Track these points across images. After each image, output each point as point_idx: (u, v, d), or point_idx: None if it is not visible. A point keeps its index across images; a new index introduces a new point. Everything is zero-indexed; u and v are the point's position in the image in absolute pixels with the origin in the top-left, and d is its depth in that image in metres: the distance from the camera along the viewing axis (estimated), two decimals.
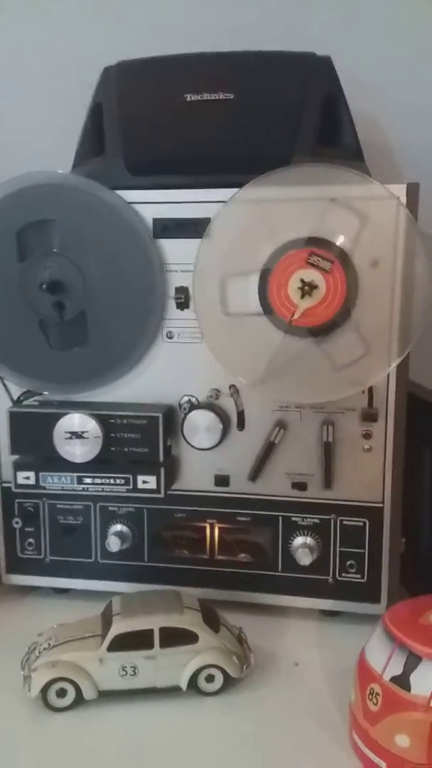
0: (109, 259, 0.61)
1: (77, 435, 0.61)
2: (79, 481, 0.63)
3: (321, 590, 0.64)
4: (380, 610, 0.63)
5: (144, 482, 0.62)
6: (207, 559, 0.66)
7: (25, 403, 0.65)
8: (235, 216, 0.59)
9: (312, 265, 0.57)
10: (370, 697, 0.46)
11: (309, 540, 0.63)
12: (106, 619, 0.55)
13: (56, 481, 0.63)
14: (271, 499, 0.64)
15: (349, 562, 0.64)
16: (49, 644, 0.54)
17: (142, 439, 0.61)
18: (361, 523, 0.63)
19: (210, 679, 0.54)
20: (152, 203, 0.62)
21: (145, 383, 0.64)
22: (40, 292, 0.61)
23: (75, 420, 0.61)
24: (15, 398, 0.66)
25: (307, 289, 0.57)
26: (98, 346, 0.63)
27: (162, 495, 0.62)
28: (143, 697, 0.53)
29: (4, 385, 0.65)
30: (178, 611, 0.54)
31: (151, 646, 0.53)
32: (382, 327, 0.58)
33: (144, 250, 0.61)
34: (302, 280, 0.58)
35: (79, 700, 0.52)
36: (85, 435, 0.61)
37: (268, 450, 0.62)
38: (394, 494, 0.62)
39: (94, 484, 0.63)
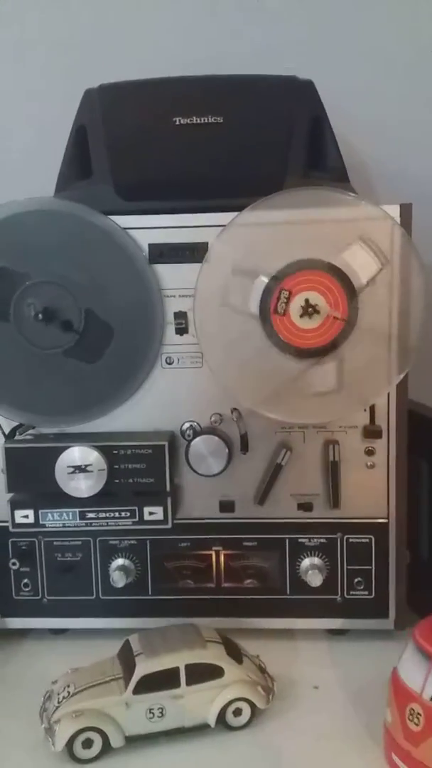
0: (104, 286, 0.60)
1: (81, 469, 0.59)
2: (82, 516, 0.61)
3: (330, 610, 0.64)
4: (389, 624, 0.64)
5: (150, 513, 0.60)
6: (213, 587, 0.65)
7: (19, 437, 0.62)
8: (234, 240, 0.59)
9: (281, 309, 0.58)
10: (410, 717, 0.46)
11: (317, 560, 0.63)
12: (127, 660, 0.53)
13: (57, 518, 0.61)
14: (277, 522, 0.64)
15: (356, 580, 0.64)
16: (68, 692, 0.52)
17: (147, 469, 0.60)
18: (367, 540, 0.63)
19: (237, 712, 0.53)
20: (146, 228, 0.61)
21: (144, 411, 0.63)
22: (37, 323, 0.59)
23: (77, 453, 0.59)
24: (7, 432, 0.63)
25: (311, 310, 0.57)
26: (95, 375, 0.61)
27: (169, 525, 0.61)
28: (171, 739, 0.51)
29: None
30: (201, 646, 0.53)
31: (177, 684, 0.51)
32: (382, 345, 0.59)
33: (140, 275, 0.60)
34: (305, 302, 0.58)
35: (107, 749, 0.50)
36: (89, 468, 0.59)
37: (276, 472, 0.62)
38: (398, 509, 0.62)
39: (98, 518, 0.61)
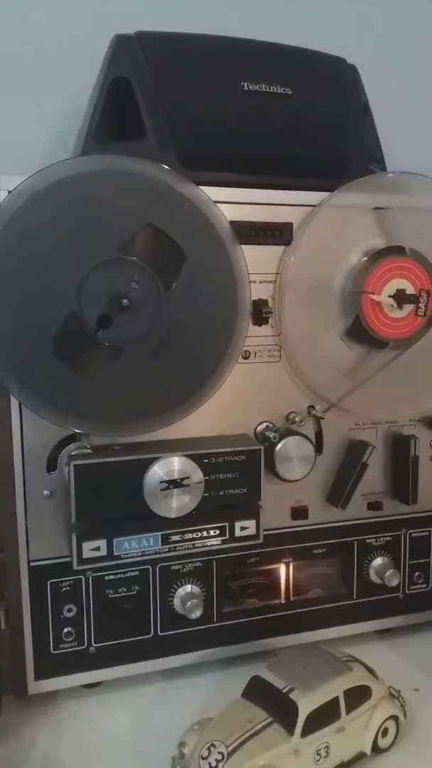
0: (187, 269, 0.50)
1: (176, 483, 0.49)
2: (165, 541, 0.51)
3: (393, 608, 0.63)
4: None
5: (242, 528, 0.53)
6: (282, 603, 0.59)
7: (80, 452, 0.50)
8: (323, 223, 0.55)
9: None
10: None
11: (386, 560, 0.61)
12: (272, 700, 0.45)
13: (136, 546, 0.50)
14: (348, 525, 0.60)
15: (416, 574, 0.63)
16: (220, 753, 0.43)
17: (240, 479, 0.52)
18: (426, 533, 0.63)
19: (385, 732, 0.48)
20: (221, 203, 0.53)
21: (216, 411, 0.55)
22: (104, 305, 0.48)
23: (170, 465, 0.49)
24: (53, 446, 0.50)
25: (411, 298, 0.55)
26: (167, 374, 0.51)
27: (261, 540, 0.54)
28: None
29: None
30: (347, 668, 0.48)
31: (338, 716, 0.46)
32: None
33: (226, 257, 0.52)
34: (397, 291, 0.56)
35: None
36: (185, 482, 0.49)
37: (361, 472, 0.58)
38: None
39: (183, 540, 0.51)
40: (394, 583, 0.60)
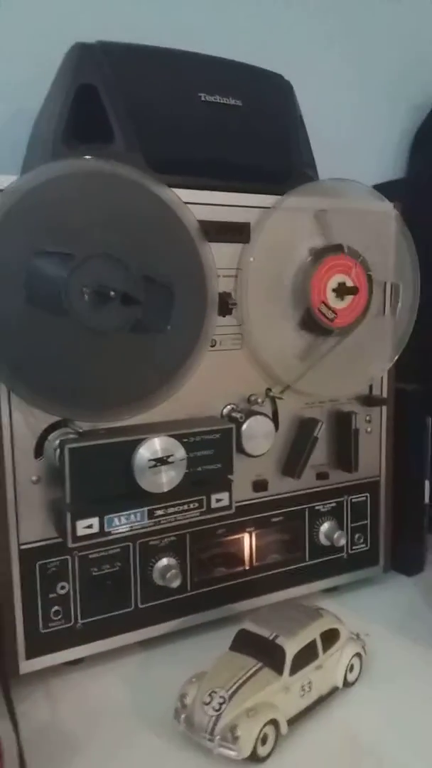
0: (162, 263, 0.55)
1: (162, 461, 0.53)
2: (150, 515, 0.55)
3: (339, 567, 0.71)
4: (379, 571, 0.73)
5: (217, 501, 0.58)
6: (247, 570, 0.65)
7: (65, 438, 0.53)
8: (276, 223, 0.61)
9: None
10: None
11: (332, 524, 0.69)
12: (261, 647, 0.51)
13: (124, 522, 0.54)
14: (300, 494, 0.67)
15: (357, 535, 0.71)
16: (222, 697, 0.48)
17: (215, 455, 0.57)
18: (364, 498, 0.72)
19: (351, 668, 0.55)
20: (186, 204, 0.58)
21: (185, 396, 0.59)
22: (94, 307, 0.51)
23: (158, 445, 0.53)
24: (40, 432, 0.53)
25: (347, 290, 0.63)
26: (149, 362, 0.55)
27: (233, 510, 0.59)
28: (313, 713, 0.52)
29: None
30: (318, 614, 0.55)
31: (317, 655, 0.52)
32: (386, 328, 0.68)
33: (197, 253, 0.57)
34: (339, 284, 0.63)
35: (277, 739, 0.48)
36: (170, 459, 0.54)
37: (312, 445, 0.65)
38: (387, 466, 0.72)
39: (167, 515, 0.56)
40: (342, 543, 0.68)
